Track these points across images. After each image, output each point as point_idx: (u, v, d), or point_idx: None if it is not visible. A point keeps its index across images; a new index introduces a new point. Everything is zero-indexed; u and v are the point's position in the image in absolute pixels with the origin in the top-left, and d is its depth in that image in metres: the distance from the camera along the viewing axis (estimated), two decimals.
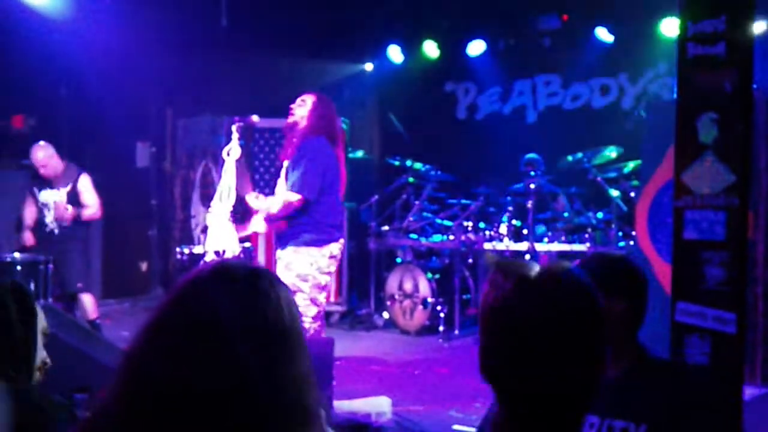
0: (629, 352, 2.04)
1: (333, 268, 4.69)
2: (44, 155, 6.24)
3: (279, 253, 4.67)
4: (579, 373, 1.24)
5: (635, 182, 6.56)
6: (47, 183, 6.31)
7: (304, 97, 4.76)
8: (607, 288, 1.93)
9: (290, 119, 4.74)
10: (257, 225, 4.73)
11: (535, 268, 1.27)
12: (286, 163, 4.75)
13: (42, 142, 6.34)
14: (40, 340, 2.02)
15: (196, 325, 1.12)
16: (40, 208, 6.33)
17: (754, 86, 3.23)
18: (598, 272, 1.98)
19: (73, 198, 6.30)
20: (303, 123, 4.68)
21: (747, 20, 2.99)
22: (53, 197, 6.28)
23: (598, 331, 1.26)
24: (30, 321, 1.98)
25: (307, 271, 4.52)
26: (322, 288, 4.61)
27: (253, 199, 4.70)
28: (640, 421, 1.91)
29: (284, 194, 4.60)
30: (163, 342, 1.13)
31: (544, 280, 1.25)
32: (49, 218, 6.30)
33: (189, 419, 1.08)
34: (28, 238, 6.38)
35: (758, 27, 5.31)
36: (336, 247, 4.64)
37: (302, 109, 4.71)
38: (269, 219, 4.68)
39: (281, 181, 4.76)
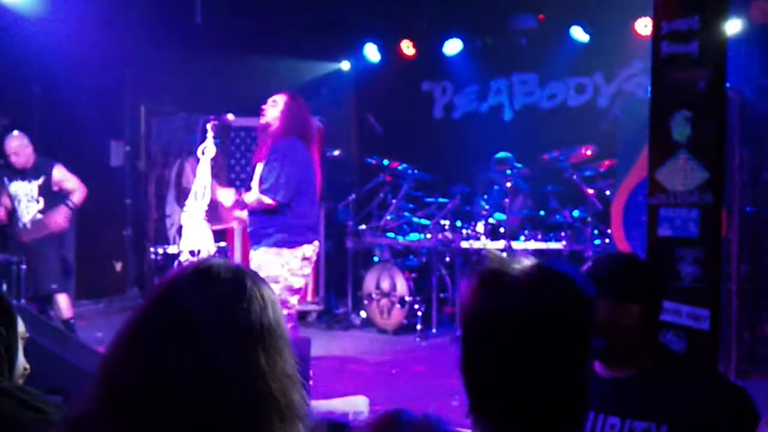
0: (648, 352, 2.00)
1: (307, 271, 4.62)
2: (18, 144, 6.17)
3: (252, 253, 4.62)
4: (572, 374, 1.19)
5: (611, 181, 6.61)
6: (18, 174, 6.21)
7: (275, 97, 4.65)
8: (620, 294, 1.94)
9: (262, 120, 4.64)
10: (225, 196, 4.61)
11: (524, 264, 1.21)
12: (259, 165, 4.67)
13: (16, 132, 6.27)
14: (20, 346, 1.98)
15: (177, 326, 1.11)
16: (12, 202, 6.23)
17: (728, 85, 3.26)
18: (609, 278, 1.96)
19: (46, 191, 6.21)
20: (275, 124, 4.58)
21: (720, 19, 3.02)
22: (24, 189, 6.19)
23: (585, 328, 1.20)
24: (11, 326, 1.94)
25: (278, 273, 4.45)
26: (295, 291, 4.55)
27: (226, 193, 4.61)
28: (662, 422, 1.88)
29: (259, 195, 4.53)
30: (144, 343, 1.11)
31: (525, 279, 1.19)
32: (27, 217, 6.19)
33: (171, 420, 1.07)
34: None
35: (731, 26, 5.37)
36: (309, 249, 4.57)
37: (274, 109, 4.61)
38: (240, 205, 4.60)
39: (254, 184, 4.67)
